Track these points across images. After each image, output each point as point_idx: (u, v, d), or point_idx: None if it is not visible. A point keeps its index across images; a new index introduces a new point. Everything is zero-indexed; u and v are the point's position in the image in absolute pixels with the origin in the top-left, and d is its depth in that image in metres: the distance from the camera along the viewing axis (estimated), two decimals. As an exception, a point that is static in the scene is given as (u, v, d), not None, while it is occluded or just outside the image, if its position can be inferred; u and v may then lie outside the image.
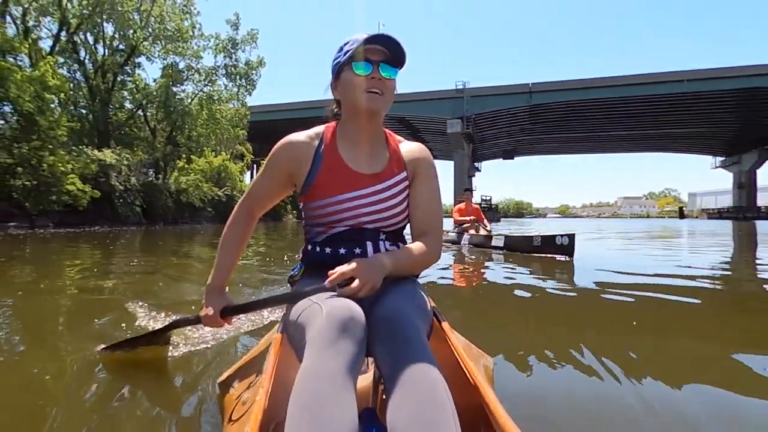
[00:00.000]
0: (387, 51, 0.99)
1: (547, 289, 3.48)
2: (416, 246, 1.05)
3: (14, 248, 7.69)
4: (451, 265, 5.36)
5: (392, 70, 1.01)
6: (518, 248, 6.42)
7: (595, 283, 3.83)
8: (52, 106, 14.33)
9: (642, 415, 1.30)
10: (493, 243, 6.85)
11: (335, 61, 1.04)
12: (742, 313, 2.94)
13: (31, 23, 18.86)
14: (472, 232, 7.59)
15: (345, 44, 1.02)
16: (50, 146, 13.95)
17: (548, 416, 1.29)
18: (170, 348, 1.70)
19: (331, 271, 0.90)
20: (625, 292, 3.38)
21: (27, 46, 14.66)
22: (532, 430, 1.00)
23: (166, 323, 1.53)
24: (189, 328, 1.78)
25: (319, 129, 1.09)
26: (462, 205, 8.08)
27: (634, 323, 2.44)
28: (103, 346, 1.63)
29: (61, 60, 20.07)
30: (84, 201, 15.78)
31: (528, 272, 4.54)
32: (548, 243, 5.90)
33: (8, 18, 17.88)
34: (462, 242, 7.54)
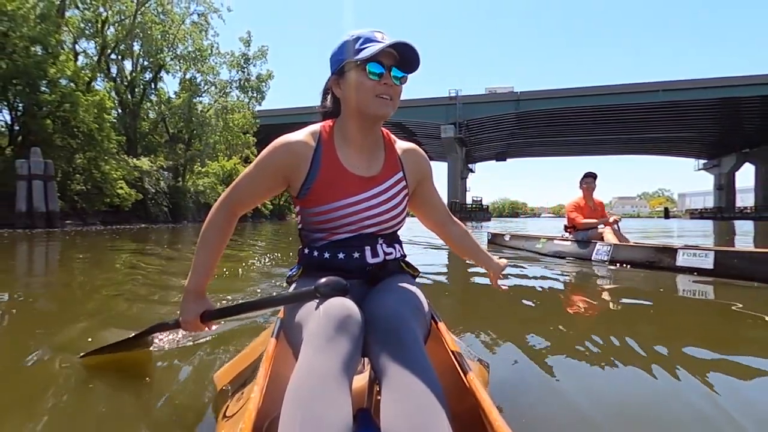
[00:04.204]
0: (398, 55, 0.95)
1: (546, 291, 3.38)
2: (464, 233, 1.26)
3: (80, 242, 9.18)
4: (447, 264, 5.26)
5: (402, 75, 0.98)
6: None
7: (596, 283, 3.79)
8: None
9: (642, 417, 1.29)
10: (681, 261, 4.10)
11: (339, 57, 0.98)
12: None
13: (73, 48, 21.71)
14: (610, 238, 4.88)
15: (353, 40, 0.96)
16: (106, 157, 16.82)
17: (543, 420, 1.27)
18: (153, 350, 1.74)
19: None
20: (626, 290, 3.41)
21: (88, 75, 17.54)
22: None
23: (145, 328, 1.47)
24: None
25: (314, 128, 1.04)
26: (579, 200, 5.30)
27: (635, 323, 2.42)
28: (83, 353, 1.63)
29: (99, 79, 22.89)
30: (129, 203, 18.68)
31: (531, 274, 4.12)
32: None
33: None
34: (594, 255, 4.91)
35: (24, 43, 14.71)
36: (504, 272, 1.29)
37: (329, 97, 1.08)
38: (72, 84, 16.04)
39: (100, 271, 4.79)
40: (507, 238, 7.53)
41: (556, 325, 2.38)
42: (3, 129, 17.08)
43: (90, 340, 1.95)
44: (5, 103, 15.89)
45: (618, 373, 1.66)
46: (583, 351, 1.88)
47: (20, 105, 15.79)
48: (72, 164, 16.82)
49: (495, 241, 8.00)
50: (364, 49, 0.94)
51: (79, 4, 21.04)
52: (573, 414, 1.32)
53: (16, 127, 16.51)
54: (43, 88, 15.40)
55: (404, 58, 0.96)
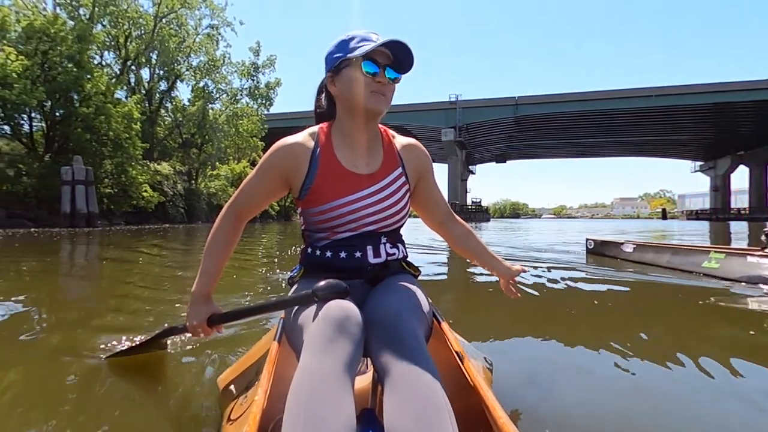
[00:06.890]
0: (392, 55, 0.99)
1: (549, 289, 3.40)
2: (468, 232, 1.23)
3: (116, 239, 10.08)
4: (448, 263, 5.20)
5: (396, 74, 1.01)
6: None
7: (597, 281, 3.79)
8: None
9: (643, 413, 1.29)
10: None
11: (335, 55, 1.01)
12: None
13: (99, 61, 23.40)
14: None
15: (349, 39, 1.00)
16: (132, 163, 18.49)
17: (548, 418, 1.26)
18: (167, 353, 1.80)
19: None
20: (627, 288, 3.41)
21: (117, 87, 19.20)
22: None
23: (154, 333, 1.55)
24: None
25: (313, 130, 1.06)
26: None
27: (636, 320, 2.45)
28: (108, 354, 1.74)
29: (121, 90, 24.61)
30: (152, 204, 20.35)
31: (531, 273, 4.24)
32: None
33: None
34: None
35: (61, 59, 16.38)
36: (517, 278, 1.26)
37: (323, 96, 1.10)
38: (102, 96, 17.68)
39: (132, 267, 5.30)
40: (629, 249, 4.91)
41: (564, 325, 2.37)
42: (39, 137, 18.73)
43: (110, 340, 2.02)
44: (42, 114, 17.55)
45: (627, 374, 1.63)
46: (590, 351, 1.85)
47: (57, 115, 17.44)
48: (101, 169, 18.46)
49: (603, 251, 5.27)
50: (360, 47, 0.98)
51: (105, 22, 22.71)
52: (578, 413, 1.31)
53: (51, 135, 18.17)
54: (76, 99, 17.08)
55: (398, 59, 1.00)
